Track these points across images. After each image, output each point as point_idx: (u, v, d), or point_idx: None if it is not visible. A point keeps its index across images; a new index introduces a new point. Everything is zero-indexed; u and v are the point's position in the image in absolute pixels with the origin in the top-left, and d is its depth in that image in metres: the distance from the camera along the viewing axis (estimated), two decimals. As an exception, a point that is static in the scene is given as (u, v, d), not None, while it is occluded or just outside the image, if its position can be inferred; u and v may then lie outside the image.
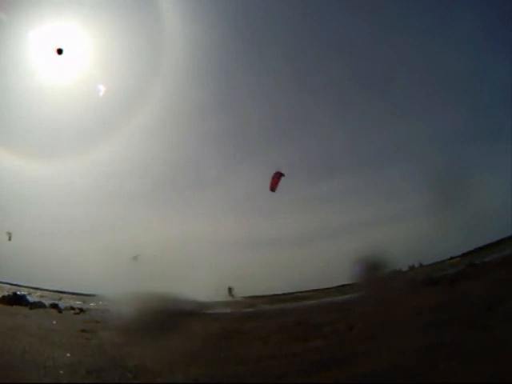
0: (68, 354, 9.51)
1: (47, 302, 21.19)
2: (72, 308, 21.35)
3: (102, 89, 25.07)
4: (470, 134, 25.93)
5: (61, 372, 8.66)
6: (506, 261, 18.60)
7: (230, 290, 20.81)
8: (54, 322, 14.67)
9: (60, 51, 20.10)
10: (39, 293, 22.66)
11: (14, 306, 17.71)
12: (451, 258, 22.87)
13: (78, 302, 22.67)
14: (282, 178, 18.48)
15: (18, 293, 20.64)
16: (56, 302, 21.67)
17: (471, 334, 10.97)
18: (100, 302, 22.67)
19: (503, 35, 22.77)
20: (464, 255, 22.75)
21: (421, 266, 22.70)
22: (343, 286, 22.91)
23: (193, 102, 26.93)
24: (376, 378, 8.64)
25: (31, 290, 22.52)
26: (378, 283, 18.84)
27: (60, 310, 20.41)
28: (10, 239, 20.35)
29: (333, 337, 12.31)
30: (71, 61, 24.02)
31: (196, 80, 26.65)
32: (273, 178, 18.36)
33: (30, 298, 21.04)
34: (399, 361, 9.40)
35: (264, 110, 28.22)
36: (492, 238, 21.41)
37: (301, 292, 24.05)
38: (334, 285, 23.38)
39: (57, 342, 10.60)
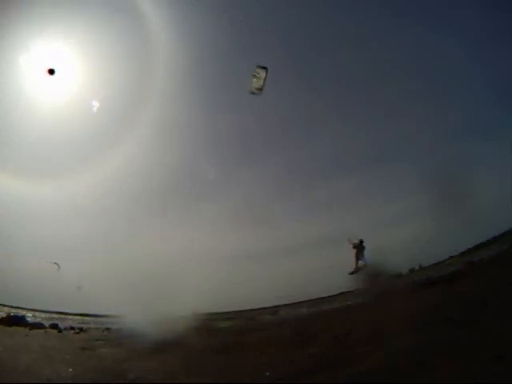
0: (70, 369, 9.74)
1: (47, 323, 21.14)
2: (72, 328, 21.34)
3: (96, 104, 25.34)
4: (466, 133, 25.99)
5: (65, 384, 8.94)
6: (503, 257, 18.95)
7: None
8: (55, 341, 14.78)
9: (52, 71, 20.46)
10: (40, 314, 22.63)
11: (13, 327, 17.71)
12: (451, 258, 23.01)
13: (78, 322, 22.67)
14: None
15: (17, 314, 20.68)
16: (56, 322, 21.65)
17: (465, 333, 11.15)
18: (100, 321, 22.70)
19: (504, 32, 23.15)
20: (463, 254, 22.88)
21: (421, 268, 22.88)
22: (343, 293, 23.03)
23: (188, 112, 27.10)
24: (370, 379, 8.90)
25: (31, 312, 22.47)
26: (378, 288, 19.07)
27: (60, 330, 20.41)
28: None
29: (330, 342, 12.51)
30: (63, 80, 24.30)
31: (191, 89, 26.82)
32: None
33: (30, 319, 21.04)
34: (393, 362, 9.65)
35: (261, 112, 28.13)
36: (490, 234, 21.57)
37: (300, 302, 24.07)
38: (334, 293, 23.46)
39: (59, 359, 10.80)
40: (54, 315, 23.37)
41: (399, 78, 26.00)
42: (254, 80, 14.07)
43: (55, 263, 20.47)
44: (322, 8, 26.33)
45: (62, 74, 23.33)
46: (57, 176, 25.24)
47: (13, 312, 21.08)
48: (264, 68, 14.04)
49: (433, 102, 25.33)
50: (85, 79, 25.37)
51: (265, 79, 14.06)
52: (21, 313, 21.41)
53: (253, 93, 14.21)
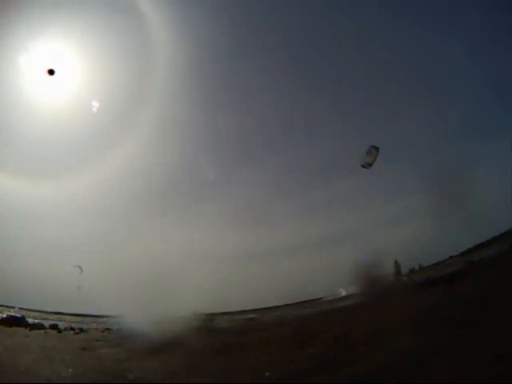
0: (70, 370, 9.72)
1: (47, 324, 21.12)
2: (72, 328, 21.34)
3: (96, 104, 25.34)
4: (466, 133, 26.06)
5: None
6: (502, 257, 18.95)
7: None
8: (55, 342, 14.76)
9: (51, 72, 20.48)
10: (40, 315, 22.58)
11: (14, 328, 17.69)
12: (450, 258, 23.00)
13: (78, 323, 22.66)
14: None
15: (17, 315, 20.64)
16: (56, 322, 21.61)
17: (465, 333, 11.13)
18: (100, 322, 22.69)
19: (504, 32, 23.13)
20: (463, 254, 22.87)
21: (421, 268, 22.88)
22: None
23: (188, 112, 27.07)
24: (370, 379, 8.89)
25: (31, 312, 22.43)
26: (378, 289, 19.05)
27: (60, 331, 20.40)
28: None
29: (330, 342, 12.49)
30: (63, 80, 24.30)
31: (191, 89, 26.81)
32: None
33: (30, 320, 21.00)
34: (393, 362, 9.64)
35: (261, 113, 28.03)
36: (490, 234, 21.60)
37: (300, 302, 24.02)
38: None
39: (59, 359, 10.78)
40: (53, 316, 23.35)
41: (399, 78, 26.02)
42: (367, 156, 16.68)
43: (78, 266, 20.38)
44: (322, 8, 26.38)
45: (62, 74, 23.40)
46: (57, 176, 25.23)
47: (13, 313, 21.05)
48: (376, 148, 16.68)
49: (433, 101, 25.36)
50: (85, 79, 25.40)
51: (375, 157, 16.64)
52: (21, 313, 21.37)
53: (363, 166, 16.78)
